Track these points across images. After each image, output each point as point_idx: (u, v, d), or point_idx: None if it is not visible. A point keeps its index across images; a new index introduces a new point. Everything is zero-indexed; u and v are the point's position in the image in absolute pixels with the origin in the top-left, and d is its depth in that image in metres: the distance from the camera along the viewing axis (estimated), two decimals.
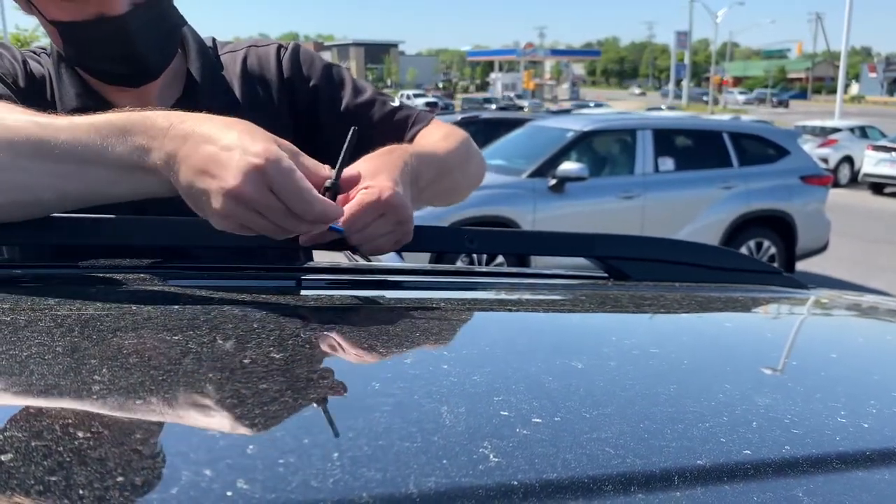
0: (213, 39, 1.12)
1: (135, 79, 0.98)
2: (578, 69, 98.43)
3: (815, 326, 0.90)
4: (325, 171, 0.75)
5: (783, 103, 64.75)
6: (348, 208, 0.78)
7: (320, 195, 0.70)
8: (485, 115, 10.02)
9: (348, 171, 0.77)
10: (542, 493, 0.37)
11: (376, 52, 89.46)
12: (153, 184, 0.73)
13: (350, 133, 0.77)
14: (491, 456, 0.40)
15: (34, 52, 1.03)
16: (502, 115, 10.46)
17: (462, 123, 9.61)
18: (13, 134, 0.73)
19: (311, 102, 1.10)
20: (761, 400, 0.53)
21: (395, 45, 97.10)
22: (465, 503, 0.36)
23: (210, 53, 1.07)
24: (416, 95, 47.09)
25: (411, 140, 1.09)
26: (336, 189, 0.74)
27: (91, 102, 0.97)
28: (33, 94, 0.97)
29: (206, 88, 1.03)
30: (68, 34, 0.93)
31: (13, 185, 0.73)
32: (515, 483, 0.38)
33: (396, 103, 1.14)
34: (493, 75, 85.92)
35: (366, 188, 0.80)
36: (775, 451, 0.44)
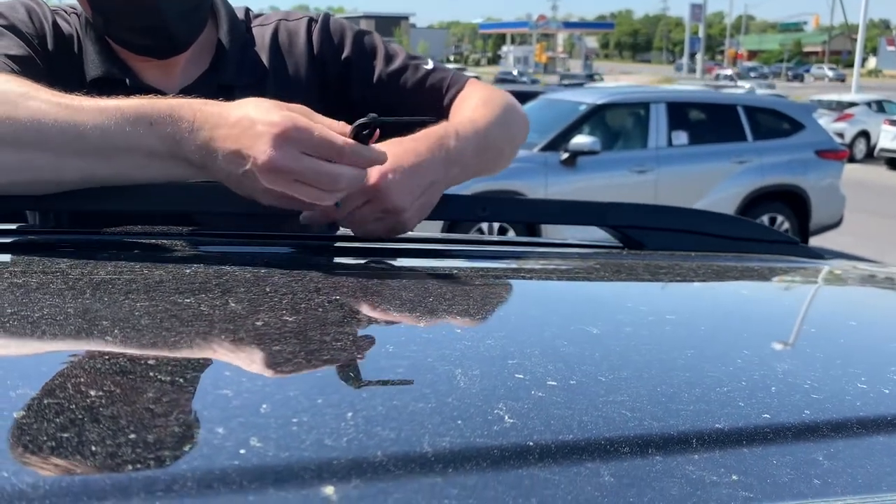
0: (247, 10, 1.10)
1: (161, 51, 0.97)
2: (591, 42, 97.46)
3: (833, 295, 0.89)
4: (340, 126, 0.74)
5: (798, 77, 63.95)
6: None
7: (344, 138, 0.70)
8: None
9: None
10: (558, 453, 0.37)
11: (387, 25, 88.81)
12: (183, 170, 0.74)
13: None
14: (506, 417, 0.40)
15: (65, 11, 1.01)
16: (514, 88, 10.39)
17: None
18: (41, 117, 0.72)
19: (343, 76, 1.07)
20: (780, 366, 0.53)
21: (405, 18, 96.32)
22: (481, 463, 0.35)
23: (241, 26, 1.05)
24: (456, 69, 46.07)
25: (449, 104, 1.07)
26: (362, 131, 0.72)
27: (116, 70, 0.96)
28: (61, 55, 0.96)
29: (235, 62, 1.02)
30: (97, 3, 0.92)
31: (40, 165, 0.73)
32: (531, 444, 0.37)
33: (430, 65, 1.11)
34: (504, 48, 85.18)
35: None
36: (795, 416, 0.44)
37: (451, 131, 0.92)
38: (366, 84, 1.07)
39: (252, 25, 1.07)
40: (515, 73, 42.06)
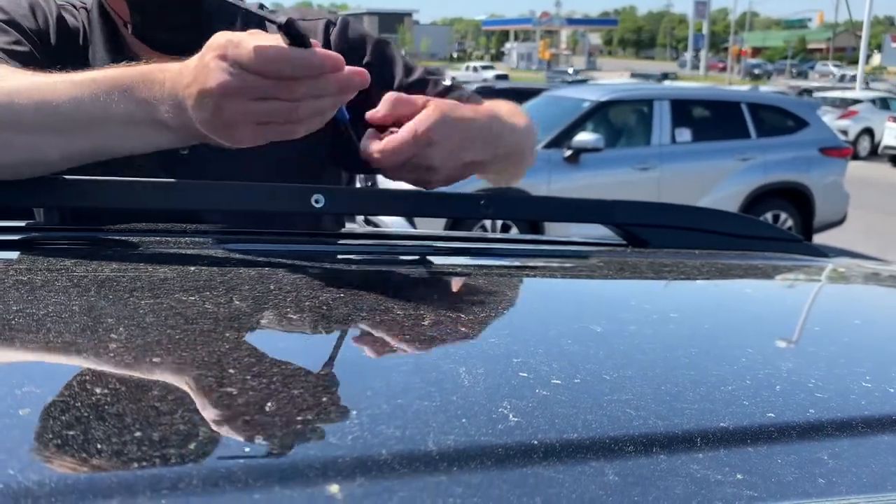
0: (261, 5, 1.08)
1: (196, 47, 0.97)
2: (595, 39, 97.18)
3: (837, 293, 0.89)
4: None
5: (802, 74, 63.77)
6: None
7: (274, 46, 0.65)
8: (500, 85, 9.94)
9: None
10: (562, 452, 0.37)
11: (390, 22, 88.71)
12: (161, 136, 0.73)
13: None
14: (510, 416, 0.40)
15: (73, 6, 1.00)
16: (517, 86, 10.37)
17: (477, 92, 9.52)
18: (13, 95, 0.72)
19: None
20: (784, 364, 0.53)
21: (408, 14, 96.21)
22: (485, 461, 0.35)
23: (254, 21, 1.03)
24: (483, 67, 45.30)
25: None
26: (293, 29, 0.65)
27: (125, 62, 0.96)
28: (65, 50, 0.95)
29: None
30: (137, 2, 0.90)
31: (18, 145, 0.72)
32: (535, 442, 0.37)
33: (448, 81, 1.11)
34: (508, 45, 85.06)
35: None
36: (800, 415, 0.43)
37: (495, 113, 0.92)
38: (386, 90, 1.07)
39: (266, 20, 1.05)
40: (571, 70, 41.76)
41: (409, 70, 1.09)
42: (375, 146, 0.77)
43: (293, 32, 0.65)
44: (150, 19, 0.93)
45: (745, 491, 0.35)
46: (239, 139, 0.69)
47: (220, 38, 0.67)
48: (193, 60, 0.70)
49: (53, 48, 0.94)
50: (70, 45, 0.96)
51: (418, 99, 0.81)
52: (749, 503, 0.34)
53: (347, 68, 0.68)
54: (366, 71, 0.69)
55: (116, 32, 0.97)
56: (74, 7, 1.00)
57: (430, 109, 0.79)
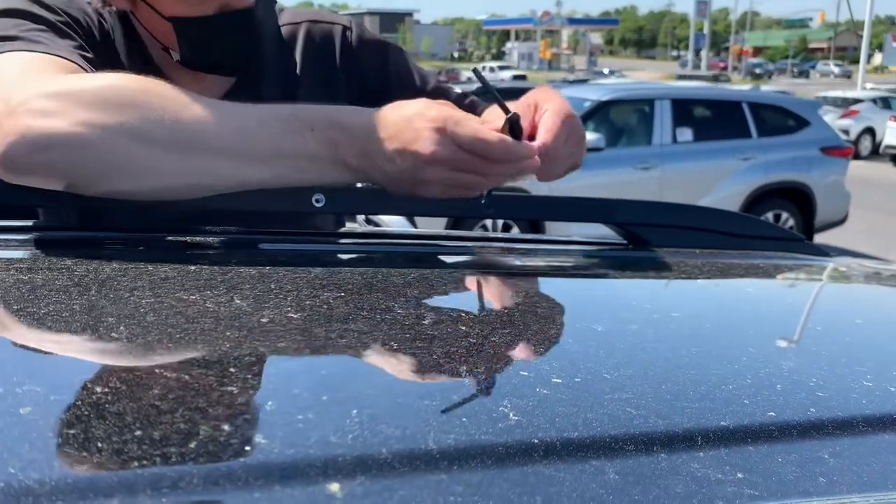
0: (275, 3, 1.05)
1: (245, 71, 0.95)
2: (596, 38, 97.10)
3: (838, 293, 0.89)
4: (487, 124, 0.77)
5: (804, 73, 63.72)
6: (545, 121, 0.80)
7: (496, 133, 0.73)
8: (502, 84, 9.93)
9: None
10: (563, 451, 0.37)
11: (391, 21, 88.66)
12: (340, 173, 0.76)
13: (477, 74, 0.80)
14: (511, 414, 0.40)
15: (98, 12, 0.95)
16: (517, 85, 10.37)
17: (477, 94, 9.55)
18: (205, 122, 0.71)
19: (384, 87, 1.05)
20: (785, 363, 0.52)
21: (409, 14, 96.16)
22: (486, 460, 0.35)
23: (274, 32, 1.01)
24: (500, 68, 45.39)
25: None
26: (516, 123, 0.75)
27: (152, 75, 0.93)
28: (105, 53, 0.90)
29: (269, 74, 0.99)
30: (187, 30, 0.87)
31: (199, 170, 0.71)
32: (536, 441, 0.37)
33: (458, 91, 1.13)
34: (509, 45, 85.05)
35: (546, 110, 0.82)
36: (800, 414, 0.43)
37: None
38: (406, 98, 1.07)
39: (281, 23, 1.04)
40: (606, 71, 41.87)
41: (424, 77, 1.10)
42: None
43: (516, 127, 0.75)
44: (200, 49, 0.89)
45: (745, 490, 0.35)
46: (422, 194, 0.75)
47: (437, 111, 0.73)
48: (393, 115, 0.74)
49: (96, 48, 0.90)
50: (108, 45, 0.93)
51: (532, 103, 0.85)
52: (750, 502, 0.34)
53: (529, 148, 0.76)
54: (537, 158, 0.77)
55: (142, 45, 0.94)
56: (102, 3, 0.94)
57: (554, 112, 0.82)
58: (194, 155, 0.70)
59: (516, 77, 33.93)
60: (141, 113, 0.69)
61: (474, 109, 1.09)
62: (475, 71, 0.81)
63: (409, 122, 0.73)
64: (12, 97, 0.68)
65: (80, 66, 0.80)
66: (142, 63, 0.93)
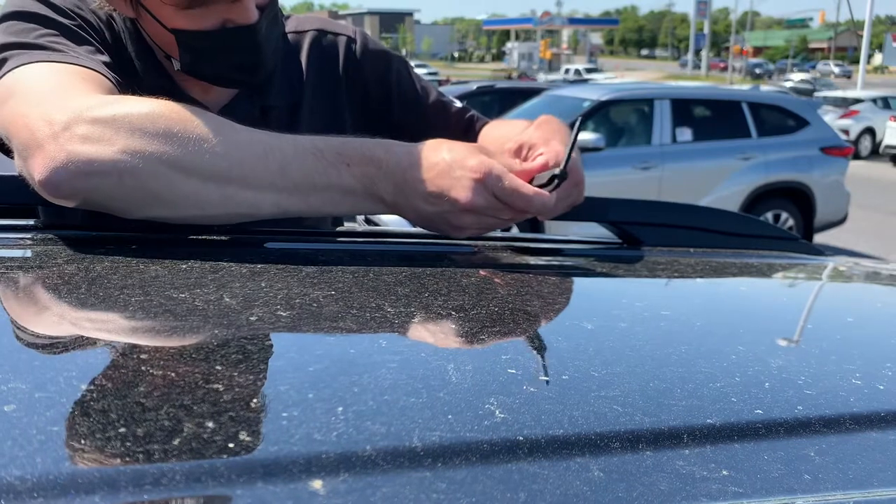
0: (281, 14, 1.06)
1: (246, 84, 0.95)
2: (596, 38, 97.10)
3: (832, 292, 0.89)
4: (516, 165, 0.80)
5: (803, 73, 63.67)
6: (531, 172, 0.81)
7: (533, 188, 0.76)
8: (500, 84, 9.93)
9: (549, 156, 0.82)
10: (547, 448, 0.37)
11: (391, 21, 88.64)
12: (374, 206, 0.78)
13: (577, 124, 0.80)
14: (497, 412, 0.40)
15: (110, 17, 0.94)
16: (518, 85, 10.37)
17: (478, 93, 9.56)
18: (244, 153, 0.72)
19: (385, 97, 1.07)
20: (774, 361, 0.52)
21: (410, 14, 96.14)
22: (470, 457, 0.35)
23: (280, 39, 1.00)
24: (588, 70, 44.86)
25: (475, 138, 1.08)
26: (564, 177, 0.78)
27: (163, 81, 0.93)
28: (117, 55, 0.91)
29: (276, 83, 0.99)
30: (189, 43, 0.87)
31: (239, 201, 0.73)
32: (521, 438, 0.37)
33: (459, 104, 1.14)
34: (509, 45, 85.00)
35: (540, 154, 0.83)
36: (788, 412, 0.43)
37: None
38: (406, 109, 1.09)
39: (287, 31, 1.04)
40: (572, 70, 41.90)
41: (425, 89, 1.12)
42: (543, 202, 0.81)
43: (559, 181, 0.78)
44: (204, 62, 0.89)
45: (730, 487, 0.35)
46: (448, 233, 0.78)
47: (479, 162, 0.75)
48: (432, 157, 0.76)
49: (109, 50, 0.90)
50: (119, 50, 0.92)
51: (530, 144, 0.87)
52: (734, 499, 0.34)
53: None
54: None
55: (152, 55, 0.94)
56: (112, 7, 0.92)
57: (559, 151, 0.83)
58: (232, 187, 0.72)
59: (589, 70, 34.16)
60: (182, 142, 0.69)
61: (473, 124, 1.11)
62: (578, 123, 0.80)
63: (449, 168, 0.75)
64: (54, 118, 0.69)
65: (104, 76, 0.80)
66: (154, 70, 0.93)
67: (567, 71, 43.17)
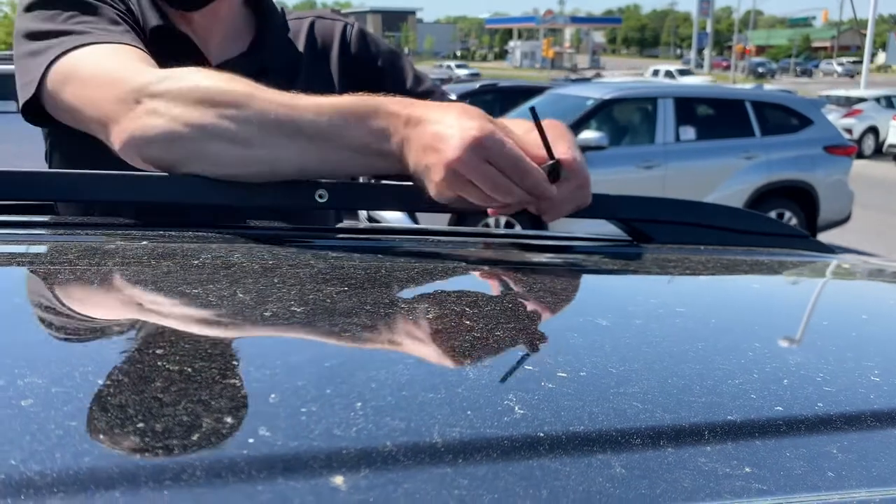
0: (282, 7, 1.13)
1: (194, 3, 0.99)
2: (599, 37, 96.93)
3: (844, 289, 0.88)
4: (541, 151, 0.77)
5: (807, 72, 63.64)
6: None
7: (536, 166, 0.73)
8: (503, 83, 9.93)
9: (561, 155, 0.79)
10: (568, 444, 0.36)
11: (393, 20, 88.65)
12: (384, 163, 0.78)
13: (534, 114, 0.79)
14: (516, 408, 0.39)
15: None
16: (521, 84, 10.36)
17: (480, 91, 9.55)
18: (265, 116, 0.77)
19: (377, 82, 1.09)
20: (792, 358, 0.52)
21: (412, 13, 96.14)
22: (491, 453, 0.35)
23: (279, 14, 1.09)
24: (458, 66, 44.84)
25: None
26: (556, 170, 0.76)
27: (166, 26, 0.98)
28: (124, 13, 0.96)
29: (272, 46, 1.05)
30: None
31: (259, 160, 0.77)
32: (541, 435, 0.37)
33: (454, 97, 1.15)
34: (511, 43, 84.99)
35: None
36: (808, 408, 0.43)
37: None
38: (396, 93, 1.09)
39: (288, 18, 1.11)
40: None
41: (418, 78, 1.14)
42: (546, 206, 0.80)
43: (554, 174, 0.76)
44: None
45: (754, 484, 0.35)
46: (436, 191, 0.75)
47: (482, 125, 0.72)
48: (439, 115, 0.75)
49: (119, 10, 0.96)
50: (127, 8, 0.98)
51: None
52: (758, 496, 0.34)
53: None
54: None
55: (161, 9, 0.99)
56: None
57: (571, 155, 0.82)
58: (256, 148, 0.77)
59: (472, 74, 34.30)
60: (221, 112, 0.78)
61: None
62: (531, 110, 0.79)
63: (450, 125, 0.74)
64: (124, 97, 0.81)
65: (137, 47, 0.89)
66: (159, 15, 0.99)
67: (656, 73, 39.66)
